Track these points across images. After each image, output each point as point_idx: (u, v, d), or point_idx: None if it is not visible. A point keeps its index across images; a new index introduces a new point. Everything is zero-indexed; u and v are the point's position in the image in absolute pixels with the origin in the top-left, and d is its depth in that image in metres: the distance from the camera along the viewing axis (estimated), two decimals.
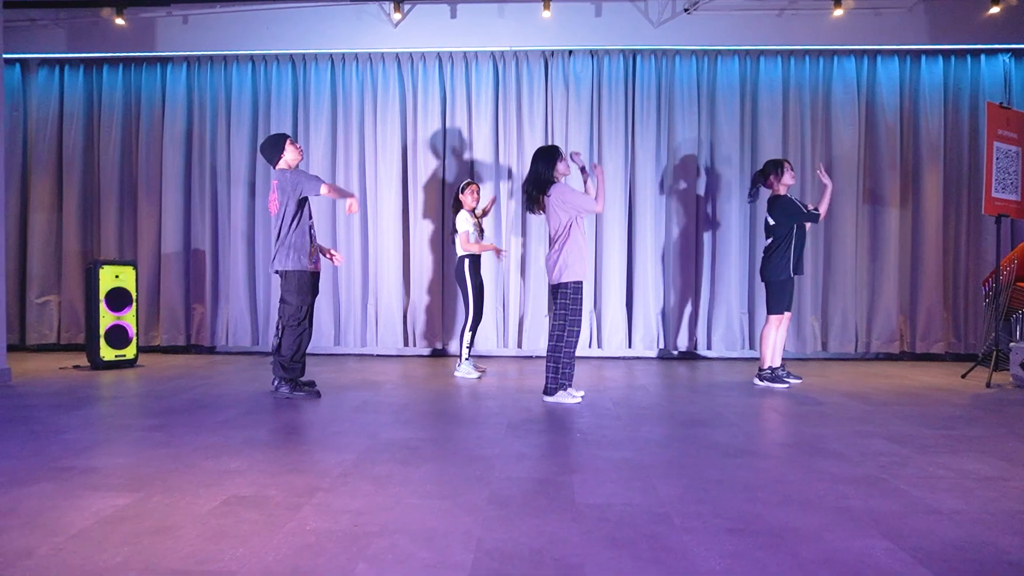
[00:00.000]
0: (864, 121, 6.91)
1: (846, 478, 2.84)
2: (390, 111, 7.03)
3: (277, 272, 4.60)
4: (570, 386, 4.59)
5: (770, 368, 5.50)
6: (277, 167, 4.67)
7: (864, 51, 6.89)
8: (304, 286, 4.60)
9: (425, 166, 7.01)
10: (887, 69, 6.88)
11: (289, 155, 4.63)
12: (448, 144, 7.03)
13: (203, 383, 5.27)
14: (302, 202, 4.61)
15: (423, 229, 7.00)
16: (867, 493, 2.64)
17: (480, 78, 7.02)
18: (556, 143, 6.94)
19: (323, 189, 4.55)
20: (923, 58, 6.87)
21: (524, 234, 7.00)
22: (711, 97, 6.98)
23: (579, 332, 4.59)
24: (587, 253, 4.96)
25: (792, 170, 5.44)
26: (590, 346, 6.98)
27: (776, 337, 5.52)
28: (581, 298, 4.54)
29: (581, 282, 4.52)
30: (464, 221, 5.60)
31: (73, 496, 2.56)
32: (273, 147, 4.65)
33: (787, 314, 5.49)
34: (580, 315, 4.56)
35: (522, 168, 6.99)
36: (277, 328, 4.66)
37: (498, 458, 3.14)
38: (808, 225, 5.45)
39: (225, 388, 5.04)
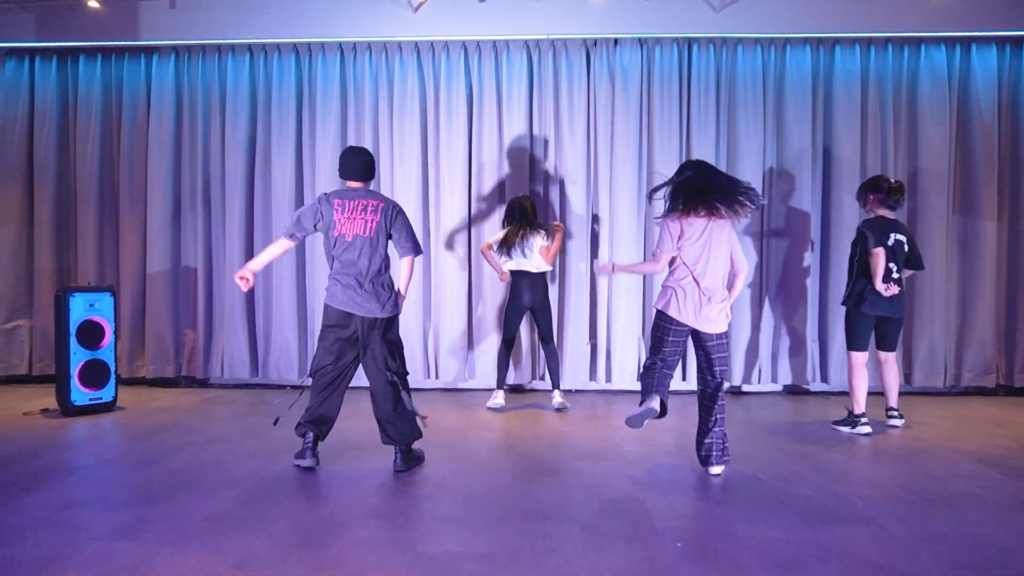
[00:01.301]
0: (956, 119, 5.99)
1: None
2: (408, 109, 6.12)
3: (380, 318, 3.73)
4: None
5: (851, 413, 4.73)
6: (367, 184, 3.87)
7: (957, 38, 5.96)
8: None
9: (449, 171, 6.10)
10: (984, 59, 5.95)
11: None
12: (475, 146, 6.12)
13: (192, 439, 4.37)
14: (387, 241, 3.84)
15: (447, 243, 6.10)
16: None
17: (512, 71, 6.09)
18: (600, 145, 6.06)
19: (409, 261, 3.86)
20: None
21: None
22: (778, 92, 6.06)
23: None
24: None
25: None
26: (638, 379, 6.07)
27: (852, 378, 4.75)
28: None
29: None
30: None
31: None
32: (366, 164, 3.82)
33: (857, 353, 4.74)
34: None
35: (559, 171, 6.08)
36: (391, 383, 3.73)
37: None
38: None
39: (218, 448, 4.15)
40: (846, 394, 6.04)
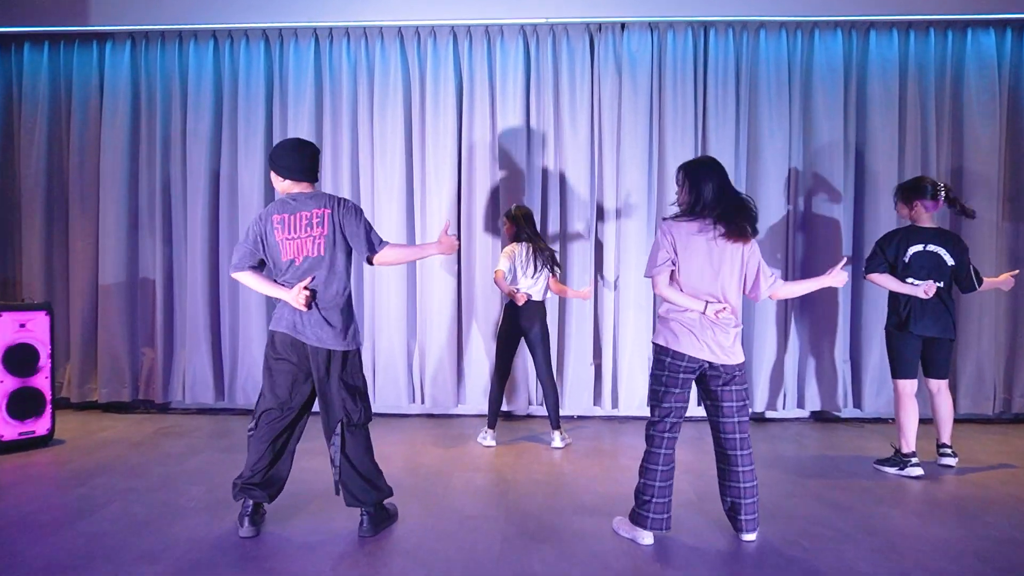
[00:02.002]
0: (1007, 113, 5.32)
1: None
2: (391, 101, 5.46)
3: (337, 351, 3.04)
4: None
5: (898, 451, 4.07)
6: (313, 186, 3.15)
7: (1008, 21, 5.29)
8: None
9: (436, 171, 5.44)
10: None
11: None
12: (465, 143, 5.46)
13: (129, 486, 3.72)
14: (350, 254, 3.12)
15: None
16: None
17: (507, 59, 5.44)
18: (605, 141, 5.41)
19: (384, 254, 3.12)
20: None
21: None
22: (805, 82, 5.40)
23: None
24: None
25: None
26: (648, 405, 5.42)
27: (899, 411, 4.09)
28: None
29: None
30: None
31: None
32: (314, 157, 3.13)
33: (904, 381, 4.05)
34: None
35: (559, 171, 5.42)
36: (338, 435, 3.04)
37: None
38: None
39: (155, 500, 3.49)
40: (881, 421, 5.44)
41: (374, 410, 5.50)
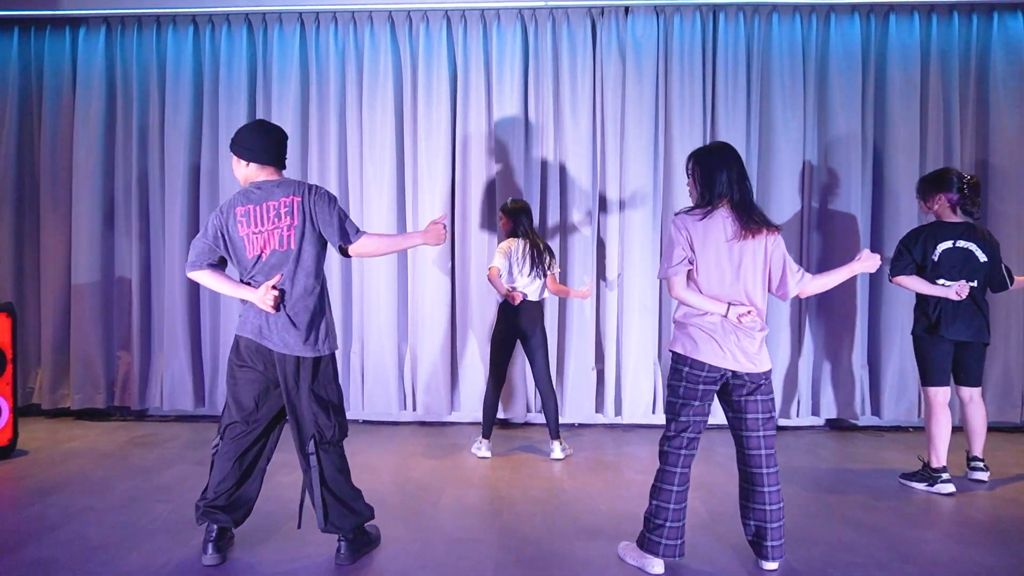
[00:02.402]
0: None
1: None
2: (381, 90, 5.15)
3: (307, 358, 2.71)
4: None
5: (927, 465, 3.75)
6: (280, 173, 2.82)
7: None
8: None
9: (429, 164, 5.13)
10: None
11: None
12: (459, 134, 5.15)
13: (88, 504, 3.40)
14: (324, 247, 2.79)
15: (426, 250, 5.12)
16: None
17: (504, 45, 5.12)
18: (608, 132, 5.10)
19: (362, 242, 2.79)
20: None
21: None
22: (821, 69, 5.08)
23: None
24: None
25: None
26: (654, 411, 5.12)
27: (930, 422, 3.75)
28: None
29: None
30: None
31: None
32: (281, 141, 2.81)
33: (935, 389, 3.71)
34: None
35: (559, 163, 5.11)
36: (310, 454, 2.72)
37: None
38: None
39: (114, 522, 3.17)
40: (901, 430, 5.13)
41: (363, 418, 5.28)
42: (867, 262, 2.80)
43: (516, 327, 4.22)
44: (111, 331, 5.36)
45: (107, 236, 5.34)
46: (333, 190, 5.16)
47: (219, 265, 2.79)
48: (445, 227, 2.86)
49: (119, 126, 5.30)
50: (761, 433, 2.62)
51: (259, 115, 5.21)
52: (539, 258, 4.21)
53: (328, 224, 2.72)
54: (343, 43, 5.19)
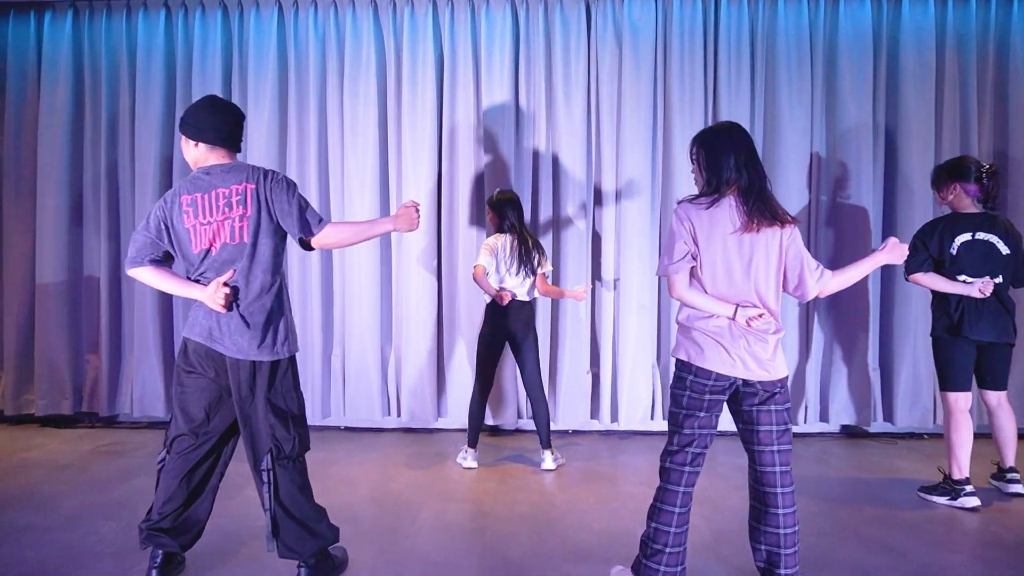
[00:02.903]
0: None
1: None
2: (363, 78, 4.86)
3: (262, 362, 2.43)
4: None
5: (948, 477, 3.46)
6: (233, 157, 2.52)
7: None
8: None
9: (414, 155, 4.84)
10: None
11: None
12: (446, 124, 4.86)
13: (32, 520, 3.11)
14: (283, 239, 2.51)
15: (411, 247, 4.84)
16: None
17: (493, 30, 4.83)
18: (603, 122, 4.81)
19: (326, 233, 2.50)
20: None
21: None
22: (829, 55, 4.80)
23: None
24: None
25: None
26: (652, 417, 4.83)
27: (950, 430, 3.45)
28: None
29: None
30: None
31: None
32: (235, 121, 2.52)
33: (956, 395, 3.42)
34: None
35: (552, 154, 4.82)
36: (265, 470, 2.43)
37: None
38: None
39: (58, 539, 2.89)
40: (915, 436, 4.84)
41: (344, 424, 4.99)
42: (894, 251, 2.49)
43: (504, 329, 3.93)
44: (79, 333, 5.06)
45: (74, 232, 5.05)
46: (313, 183, 4.88)
47: (163, 261, 2.50)
48: (417, 210, 2.56)
49: (87, 116, 5.02)
50: (776, 447, 2.31)
51: (235, 103, 4.92)
52: (527, 256, 3.91)
53: (287, 214, 2.43)
54: (323, 28, 4.91)
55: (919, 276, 3.50)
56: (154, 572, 2.45)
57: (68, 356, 5.02)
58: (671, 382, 2.42)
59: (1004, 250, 3.44)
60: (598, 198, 4.84)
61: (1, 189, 5.06)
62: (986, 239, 3.44)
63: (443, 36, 4.88)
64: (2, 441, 4.55)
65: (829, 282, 2.40)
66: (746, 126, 4.54)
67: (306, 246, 2.51)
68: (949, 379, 3.50)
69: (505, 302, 3.84)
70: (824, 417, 4.84)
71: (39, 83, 5.02)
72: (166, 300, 4.97)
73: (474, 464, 4.03)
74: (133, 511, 3.25)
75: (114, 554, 2.78)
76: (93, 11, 5.02)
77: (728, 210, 2.30)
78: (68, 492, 3.55)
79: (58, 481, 3.74)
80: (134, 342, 4.98)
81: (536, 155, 4.84)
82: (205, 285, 2.40)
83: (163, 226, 2.43)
